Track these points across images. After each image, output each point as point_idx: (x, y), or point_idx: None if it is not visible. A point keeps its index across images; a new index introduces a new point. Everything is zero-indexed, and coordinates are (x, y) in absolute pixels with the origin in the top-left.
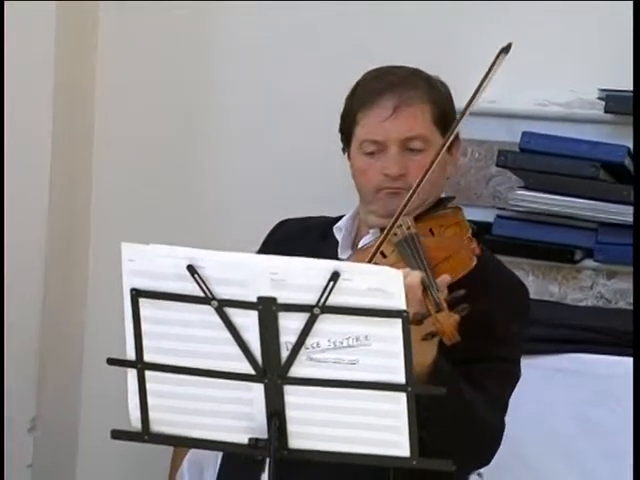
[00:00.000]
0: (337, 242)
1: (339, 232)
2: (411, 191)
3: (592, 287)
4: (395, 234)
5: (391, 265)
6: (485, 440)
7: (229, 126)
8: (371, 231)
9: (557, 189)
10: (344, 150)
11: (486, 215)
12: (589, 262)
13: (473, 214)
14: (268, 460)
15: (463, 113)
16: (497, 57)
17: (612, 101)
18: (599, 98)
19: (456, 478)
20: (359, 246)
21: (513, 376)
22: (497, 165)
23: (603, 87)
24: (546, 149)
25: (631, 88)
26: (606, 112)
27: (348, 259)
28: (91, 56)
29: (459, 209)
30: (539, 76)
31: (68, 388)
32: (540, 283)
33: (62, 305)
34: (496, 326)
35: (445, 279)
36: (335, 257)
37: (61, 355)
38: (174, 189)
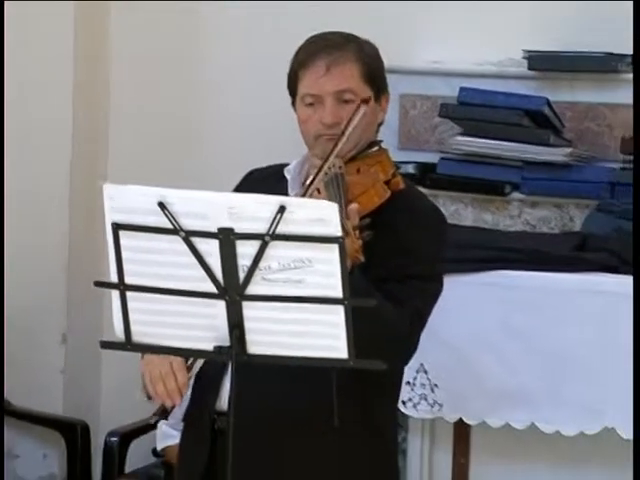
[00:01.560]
0: (287, 181)
1: (289, 174)
2: (338, 137)
3: (519, 215)
4: (326, 173)
5: (323, 199)
6: (396, 345)
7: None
8: (313, 172)
9: (489, 134)
10: (292, 105)
11: (432, 157)
12: (516, 195)
13: (422, 157)
14: (230, 365)
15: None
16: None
17: (534, 60)
18: (524, 57)
19: (390, 375)
20: (304, 185)
21: (432, 292)
22: (440, 116)
23: (527, 48)
24: (480, 101)
25: (551, 49)
26: (529, 69)
27: (295, 196)
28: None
29: (384, 150)
30: (474, 40)
31: (92, 307)
32: (477, 213)
33: (86, 238)
34: (415, 248)
35: (354, 208)
36: (285, 194)
37: (86, 280)
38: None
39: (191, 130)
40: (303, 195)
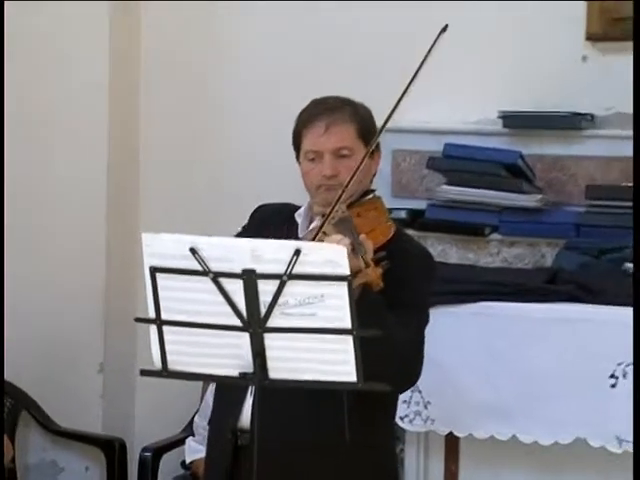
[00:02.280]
0: (297, 225)
1: (299, 217)
2: (342, 188)
3: (498, 253)
4: (333, 217)
5: (332, 241)
6: (407, 364)
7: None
8: (317, 218)
9: (471, 184)
10: (297, 158)
11: (421, 204)
12: (495, 235)
13: (412, 204)
14: (252, 388)
15: (382, 128)
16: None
17: (508, 119)
18: (499, 117)
19: (391, 396)
20: (309, 228)
21: (425, 319)
22: (427, 168)
23: (501, 109)
24: (462, 155)
25: (522, 109)
26: (504, 127)
27: (303, 238)
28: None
29: (378, 198)
30: (457, 102)
31: (125, 340)
32: (461, 252)
33: (120, 279)
34: (412, 282)
35: (370, 243)
36: (296, 236)
37: (120, 316)
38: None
39: (214, 177)
40: (313, 239)
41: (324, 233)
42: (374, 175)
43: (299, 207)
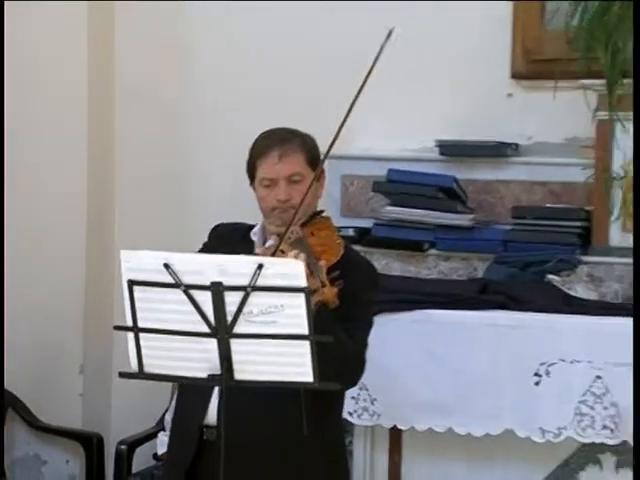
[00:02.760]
0: (253, 242)
1: (255, 236)
2: (295, 210)
3: (435, 267)
4: (289, 238)
5: (291, 258)
6: (350, 369)
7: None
8: (272, 237)
9: (411, 205)
10: (251, 185)
11: (367, 223)
12: (433, 251)
13: (359, 223)
14: (218, 388)
15: (326, 154)
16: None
17: (444, 147)
18: (436, 146)
19: (339, 394)
20: (266, 246)
21: (369, 328)
22: (373, 191)
23: (437, 139)
24: (404, 179)
25: (456, 139)
26: (440, 154)
27: (261, 255)
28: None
29: (328, 218)
30: (398, 133)
31: (103, 346)
32: (403, 265)
33: (98, 290)
34: (360, 296)
35: (323, 264)
36: (251, 252)
37: (98, 324)
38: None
39: (182, 194)
40: (272, 255)
41: (281, 251)
42: (320, 197)
43: (253, 226)
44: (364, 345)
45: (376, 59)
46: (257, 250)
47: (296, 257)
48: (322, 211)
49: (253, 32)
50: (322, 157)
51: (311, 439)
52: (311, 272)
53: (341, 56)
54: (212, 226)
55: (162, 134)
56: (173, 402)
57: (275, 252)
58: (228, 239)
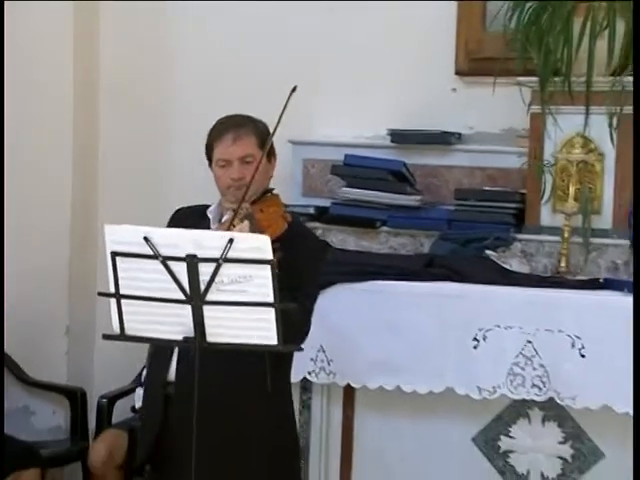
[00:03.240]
0: (209, 219)
1: (211, 214)
2: (246, 188)
3: (386, 242)
4: (240, 213)
5: (237, 231)
6: (300, 333)
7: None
8: (227, 212)
9: (365, 186)
10: (209, 166)
11: (326, 202)
12: (384, 228)
13: (318, 202)
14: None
15: (270, 138)
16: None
17: (394, 136)
18: (387, 134)
19: (289, 356)
20: (221, 221)
21: (315, 294)
22: (331, 173)
23: (389, 128)
24: (358, 163)
25: (405, 128)
26: (391, 142)
27: (216, 229)
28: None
29: (276, 195)
30: (354, 122)
31: (87, 308)
32: (357, 240)
33: (82, 259)
34: (306, 264)
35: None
36: (208, 229)
37: (82, 288)
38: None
39: (160, 183)
40: (227, 229)
41: (233, 226)
42: (271, 177)
43: (208, 206)
44: (310, 311)
45: (282, 112)
46: (212, 226)
47: (241, 230)
48: (272, 189)
49: (232, 32)
50: (270, 141)
51: (265, 394)
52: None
53: (315, 56)
54: (175, 209)
55: (143, 129)
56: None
57: (229, 227)
58: (187, 219)
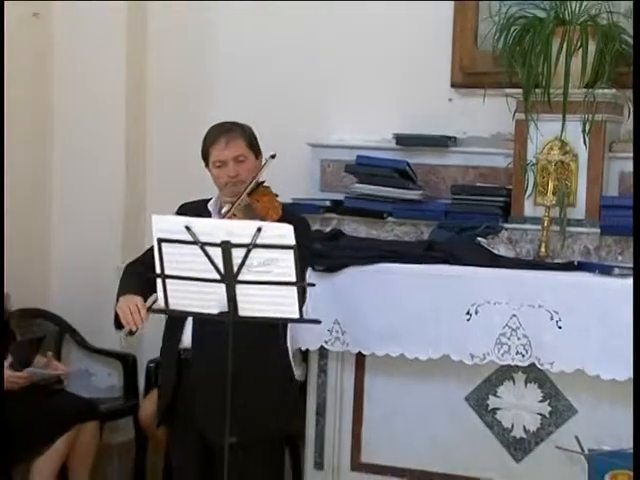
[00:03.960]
0: (210, 212)
1: (211, 207)
2: (247, 185)
3: (392, 230)
4: (239, 204)
5: (240, 219)
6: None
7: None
8: (226, 205)
9: (374, 183)
10: (206, 167)
11: (340, 197)
12: (390, 219)
13: (334, 196)
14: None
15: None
16: (266, 162)
17: (399, 139)
18: (393, 138)
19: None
20: (222, 213)
21: (307, 265)
22: (345, 172)
23: (395, 132)
24: (368, 163)
25: (409, 132)
26: (396, 144)
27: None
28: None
29: (268, 187)
30: (365, 127)
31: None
32: (367, 229)
33: (132, 244)
34: (301, 241)
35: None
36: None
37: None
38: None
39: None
40: (229, 218)
41: (234, 215)
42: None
43: (208, 199)
44: (304, 279)
45: (260, 170)
46: (214, 217)
47: (245, 218)
48: (263, 182)
49: (267, 43)
50: (257, 143)
51: (270, 358)
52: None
53: (332, 71)
54: (180, 205)
55: (188, 126)
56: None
57: (230, 217)
58: (191, 212)
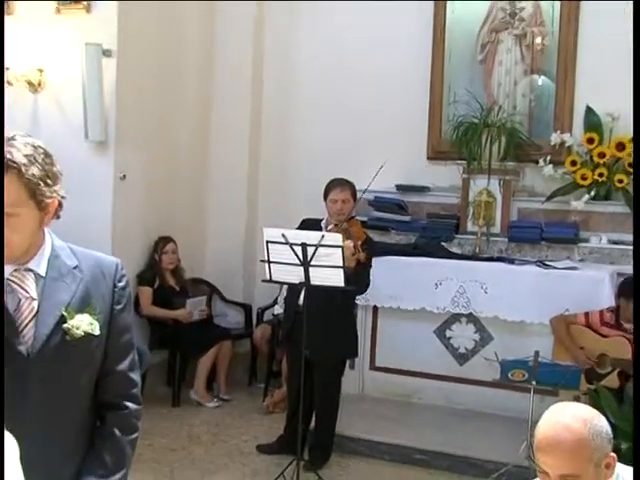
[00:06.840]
0: (321, 227)
1: (323, 224)
2: (346, 217)
3: (393, 238)
4: (341, 226)
5: (346, 244)
6: (362, 283)
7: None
8: (331, 225)
9: (384, 210)
10: (324, 200)
11: (365, 218)
12: (393, 231)
13: (363, 218)
14: (303, 289)
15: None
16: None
17: (398, 187)
18: (395, 186)
19: (353, 295)
20: (328, 229)
21: (370, 265)
22: (369, 205)
23: (396, 183)
24: (381, 200)
25: (406, 183)
26: (397, 190)
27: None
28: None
29: (357, 219)
30: (378, 179)
31: (252, 269)
32: (380, 238)
33: (250, 243)
34: (373, 253)
35: (359, 241)
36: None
37: (251, 260)
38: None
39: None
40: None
41: (337, 231)
42: (354, 209)
43: (322, 219)
44: (369, 274)
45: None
46: (324, 231)
47: (349, 243)
48: (355, 216)
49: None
50: (356, 193)
51: (343, 311)
52: (354, 246)
53: (360, 139)
54: (301, 219)
55: (294, 152)
56: (282, 290)
57: (337, 231)
58: (309, 226)
